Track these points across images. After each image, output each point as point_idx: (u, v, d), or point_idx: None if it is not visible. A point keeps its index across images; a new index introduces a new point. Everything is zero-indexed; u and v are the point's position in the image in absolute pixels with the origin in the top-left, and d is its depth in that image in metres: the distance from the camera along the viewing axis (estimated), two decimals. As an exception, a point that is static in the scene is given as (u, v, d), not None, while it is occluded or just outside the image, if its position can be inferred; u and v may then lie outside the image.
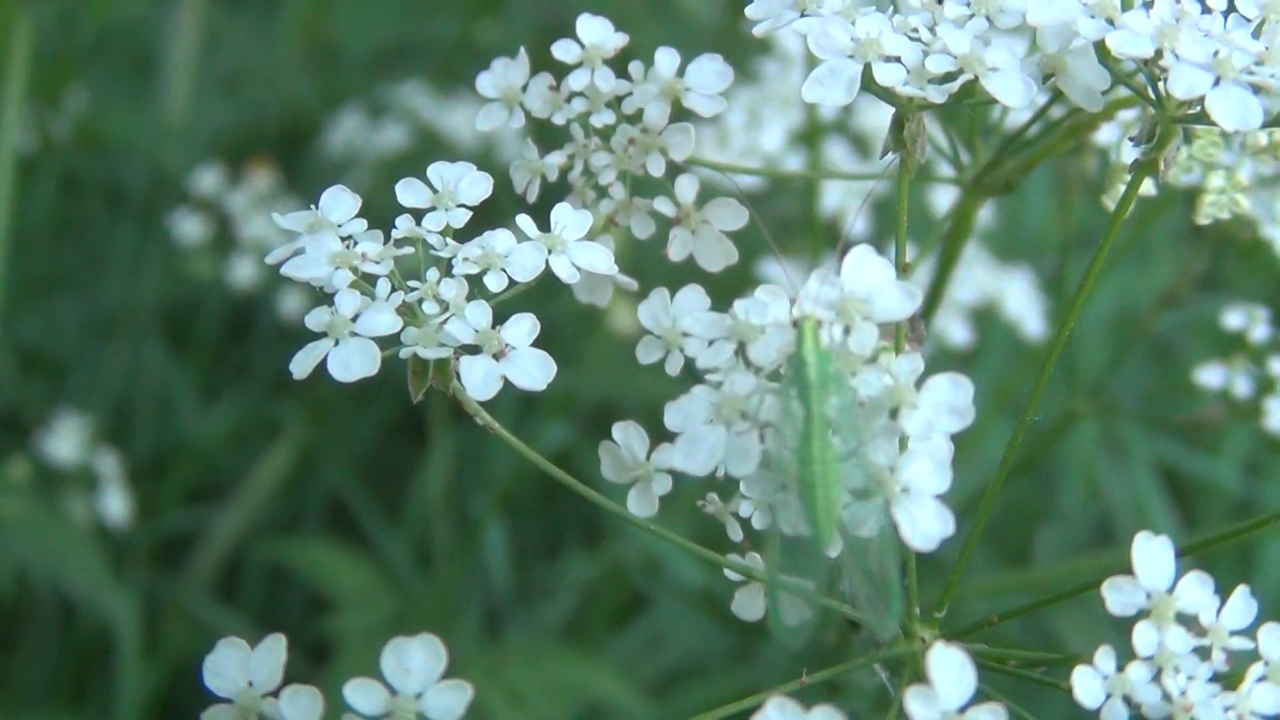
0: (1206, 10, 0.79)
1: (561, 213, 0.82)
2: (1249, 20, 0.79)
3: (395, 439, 2.16)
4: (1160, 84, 0.77)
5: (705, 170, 0.92)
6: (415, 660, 0.69)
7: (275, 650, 0.71)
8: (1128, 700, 0.74)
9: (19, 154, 1.72)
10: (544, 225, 0.82)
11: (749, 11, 0.83)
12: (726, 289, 0.86)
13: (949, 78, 0.78)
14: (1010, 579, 1.59)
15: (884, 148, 0.83)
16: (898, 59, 0.78)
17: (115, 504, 1.91)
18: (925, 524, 0.70)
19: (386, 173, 2.01)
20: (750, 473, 0.74)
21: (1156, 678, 0.74)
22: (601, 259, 0.81)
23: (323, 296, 0.78)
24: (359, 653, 1.66)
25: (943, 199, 1.58)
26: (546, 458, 0.83)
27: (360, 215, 0.81)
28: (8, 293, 1.74)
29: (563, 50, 0.88)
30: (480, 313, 0.77)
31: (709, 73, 0.87)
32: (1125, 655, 0.75)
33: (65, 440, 1.92)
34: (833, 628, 1.03)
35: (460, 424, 1.90)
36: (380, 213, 0.82)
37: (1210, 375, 1.28)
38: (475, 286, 0.78)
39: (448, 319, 0.76)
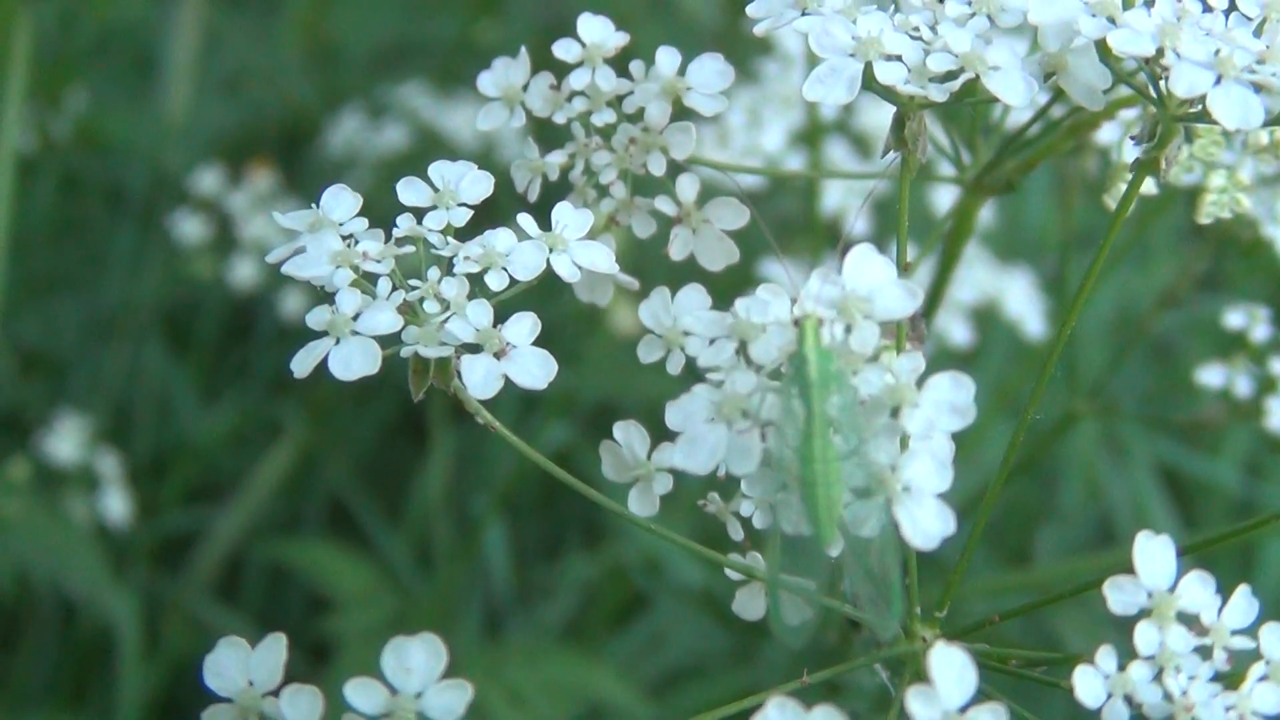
0: (1208, 9, 0.79)
1: (562, 212, 0.82)
2: (1250, 19, 0.79)
3: (395, 439, 2.16)
4: (1161, 83, 0.77)
5: (706, 169, 0.92)
6: (415, 659, 0.69)
7: (275, 650, 0.71)
8: (1129, 700, 0.73)
9: (19, 154, 1.72)
10: (545, 224, 0.82)
11: (750, 10, 0.83)
12: (728, 288, 0.86)
13: (950, 76, 0.78)
14: (1011, 579, 1.59)
15: (885, 147, 0.83)
16: (899, 57, 0.78)
17: (115, 504, 1.91)
18: (926, 523, 0.70)
19: (387, 173, 2.01)
20: (751, 472, 0.74)
21: (1158, 677, 0.74)
22: (602, 258, 0.81)
23: (324, 295, 0.78)
24: (359, 653, 1.66)
25: (944, 198, 1.58)
26: (547, 457, 0.82)
27: (361, 215, 0.81)
28: (8, 293, 1.74)
29: (564, 49, 0.88)
30: (481, 311, 0.77)
31: (710, 72, 0.87)
32: (1126, 655, 0.75)
33: (65, 440, 1.92)
34: (834, 627, 1.03)
35: (461, 424, 1.90)
36: (381, 213, 0.82)
37: (1211, 375, 1.28)
38: (476, 285, 0.78)
39: (449, 318, 0.76)
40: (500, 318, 0.77)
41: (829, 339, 0.73)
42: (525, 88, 0.89)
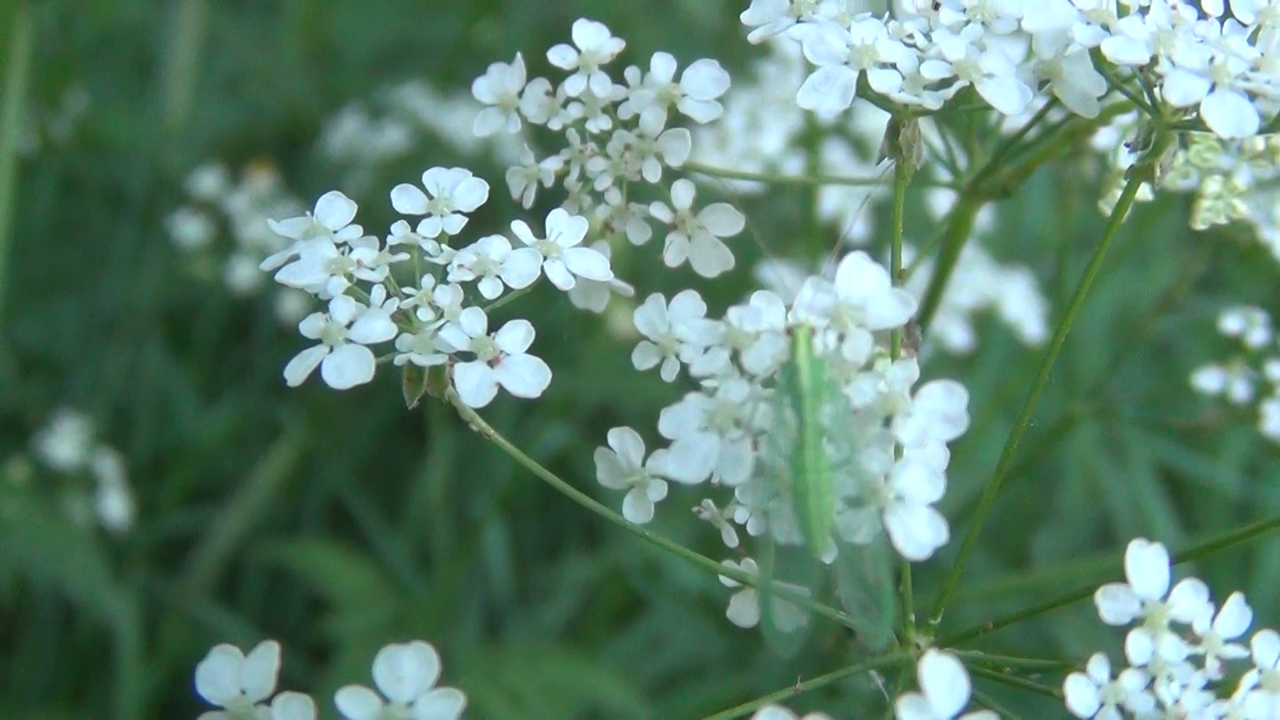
0: (1202, 16, 0.79)
1: (557, 219, 0.82)
2: (1245, 26, 0.79)
3: (395, 440, 2.16)
4: (1156, 90, 0.77)
5: (702, 175, 0.92)
6: (407, 668, 0.69)
7: (268, 658, 0.71)
8: (1121, 709, 0.73)
9: (19, 154, 1.72)
10: (541, 230, 0.82)
11: (745, 18, 0.83)
12: (725, 294, 0.86)
13: (944, 84, 0.78)
14: (1009, 582, 1.59)
15: (880, 153, 0.83)
16: (893, 65, 0.78)
17: (115, 505, 1.92)
18: (918, 532, 0.70)
19: (386, 174, 2.01)
20: (743, 481, 0.74)
21: (1150, 686, 0.74)
22: (597, 265, 0.81)
23: (318, 303, 0.78)
24: (359, 654, 1.66)
25: (943, 202, 1.58)
26: (547, 460, 0.83)
27: (360, 217, 0.81)
28: (8, 293, 1.74)
29: (559, 56, 0.88)
30: (475, 319, 0.77)
31: (705, 78, 0.87)
32: (1121, 662, 0.75)
33: (65, 441, 1.93)
34: (830, 633, 1.03)
35: (460, 426, 1.89)
36: (380, 215, 0.82)
37: (1208, 379, 1.28)
38: (470, 293, 0.78)
39: (442, 326, 0.76)
40: (495, 325, 0.77)
41: (822, 348, 0.73)
42: (520, 94, 0.89)
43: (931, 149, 0.97)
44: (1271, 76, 0.76)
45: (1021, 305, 1.70)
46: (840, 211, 1.61)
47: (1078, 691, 0.74)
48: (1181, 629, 0.75)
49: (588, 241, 0.83)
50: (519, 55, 0.90)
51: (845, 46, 0.78)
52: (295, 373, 0.75)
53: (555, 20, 2.32)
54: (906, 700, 0.66)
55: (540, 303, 0.84)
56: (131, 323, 2.13)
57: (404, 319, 0.77)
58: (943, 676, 0.67)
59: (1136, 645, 0.74)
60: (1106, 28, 0.77)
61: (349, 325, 0.76)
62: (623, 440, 0.82)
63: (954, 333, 1.66)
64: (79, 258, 2.29)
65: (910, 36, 0.79)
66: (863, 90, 0.78)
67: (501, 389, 0.75)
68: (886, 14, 0.81)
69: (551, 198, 0.89)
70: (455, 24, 2.48)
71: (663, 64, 0.88)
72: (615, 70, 0.89)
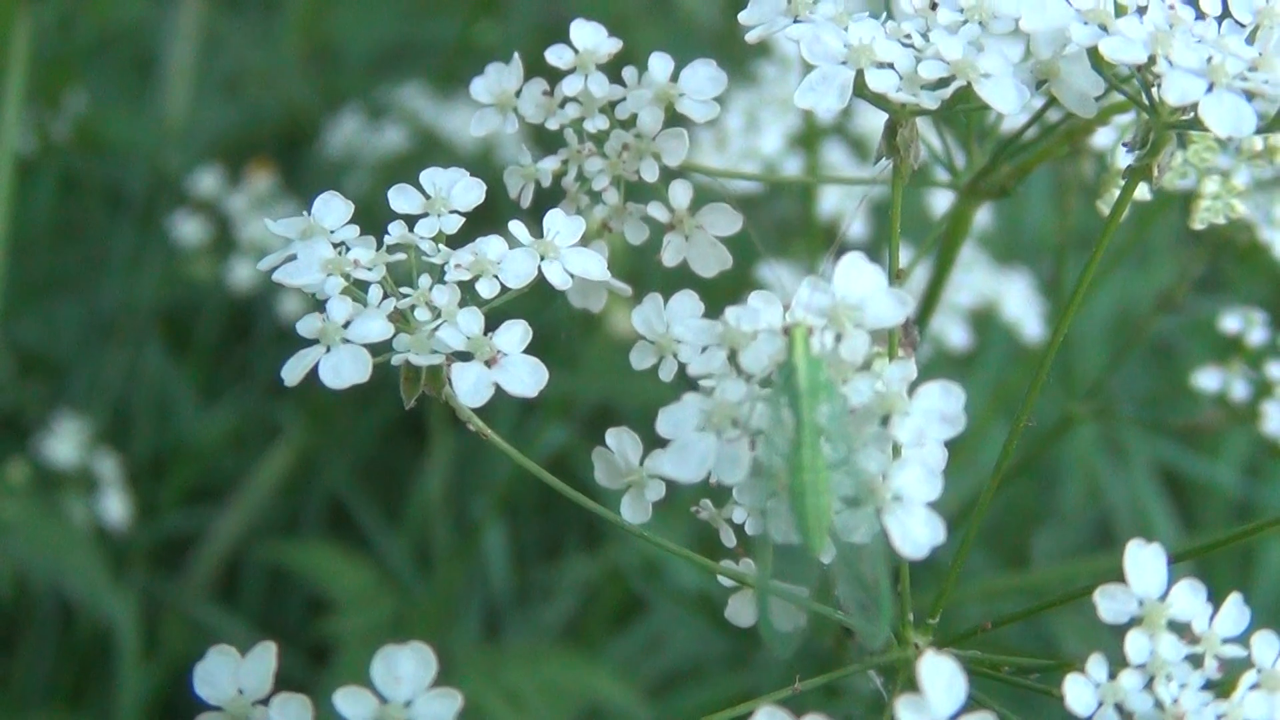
0: (1200, 16, 0.79)
1: (554, 219, 0.82)
2: (1242, 26, 0.79)
3: (395, 440, 2.16)
4: (1154, 90, 0.77)
5: (699, 175, 0.92)
6: (405, 668, 0.69)
7: (265, 658, 0.71)
8: (1120, 708, 0.73)
9: (19, 155, 1.72)
10: (538, 230, 0.82)
11: (742, 17, 0.83)
12: (723, 294, 0.86)
13: (942, 84, 0.78)
14: (1009, 582, 1.59)
15: (877, 153, 0.83)
16: (890, 65, 0.78)
17: (115, 506, 1.92)
18: (916, 532, 0.70)
19: (386, 175, 2.01)
20: (740, 481, 0.74)
21: (1149, 685, 0.74)
22: (594, 265, 0.81)
23: (315, 303, 0.78)
24: (358, 654, 1.66)
25: (942, 201, 1.58)
26: (546, 460, 0.83)
27: (360, 218, 0.81)
28: (8, 293, 1.74)
29: (556, 56, 0.88)
30: (472, 319, 0.76)
31: (703, 78, 0.87)
32: (1120, 661, 0.75)
33: (65, 442, 1.93)
34: (828, 633, 1.03)
35: (460, 426, 1.89)
36: (380, 215, 0.82)
37: (1208, 379, 1.28)
38: (467, 293, 0.78)
39: (439, 325, 0.76)
40: (492, 325, 0.77)
41: (819, 347, 0.73)
42: (518, 94, 0.89)
43: (930, 149, 0.97)
44: (1269, 76, 0.76)
45: (1021, 305, 1.70)
46: (839, 212, 1.61)
47: (1076, 691, 0.74)
48: (1180, 628, 0.75)
49: (585, 241, 0.83)
50: (516, 55, 0.90)
51: (842, 46, 0.78)
52: (292, 373, 0.75)
53: (555, 21, 2.32)
54: (905, 700, 0.66)
55: (538, 303, 0.84)
56: (131, 323, 2.13)
57: (401, 319, 0.77)
58: (941, 676, 0.67)
59: (1135, 645, 0.74)
60: (1104, 28, 0.77)
61: (346, 325, 0.76)
62: (620, 440, 0.82)
63: (953, 333, 1.66)
64: (79, 258, 2.29)
65: (907, 36, 0.80)
66: (860, 90, 0.78)
67: (499, 389, 0.75)
68: (884, 14, 0.81)
69: (549, 197, 0.89)
70: (455, 24, 2.48)
71: (660, 64, 0.88)
72: (613, 70, 0.89)
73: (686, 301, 0.80)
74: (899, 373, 0.73)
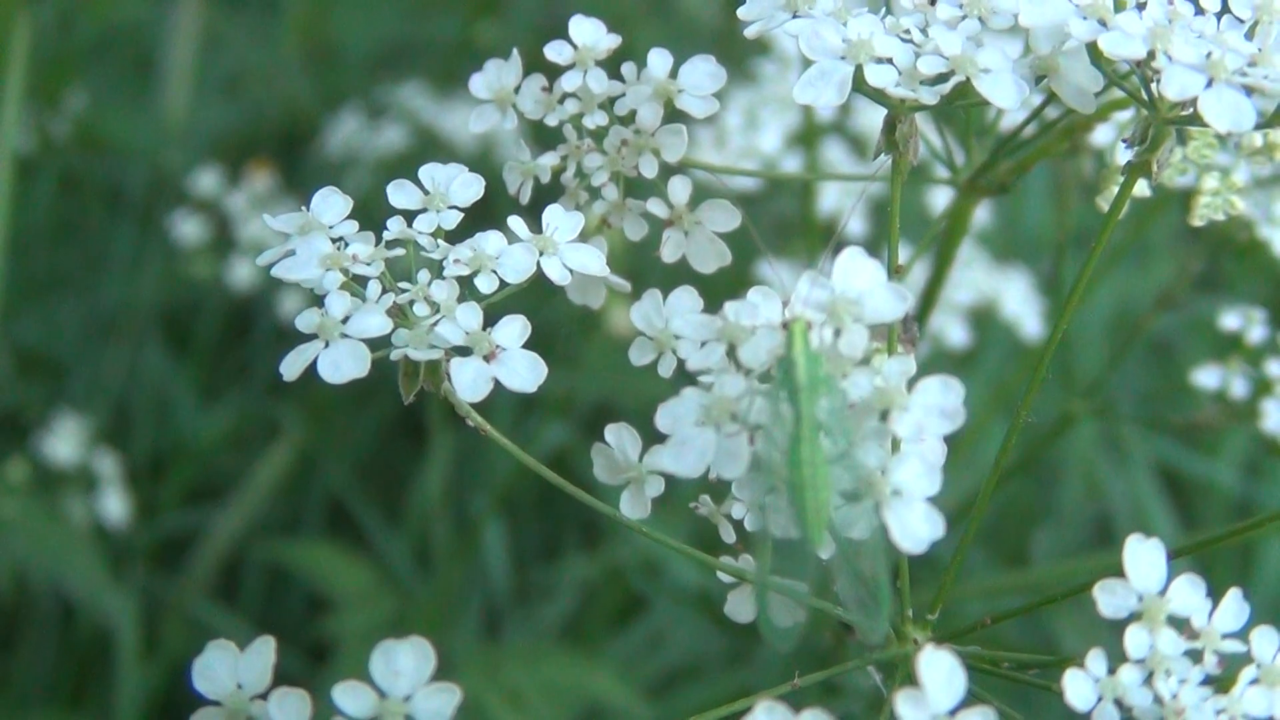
0: (1199, 11, 0.79)
1: (553, 214, 0.82)
2: (1242, 21, 0.79)
3: (395, 439, 2.16)
4: (1153, 85, 0.77)
5: (699, 171, 0.92)
6: (404, 663, 0.69)
7: (264, 653, 0.71)
8: (1119, 703, 0.73)
9: (19, 154, 1.72)
10: (537, 226, 0.82)
11: (741, 13, 0.83)
12: (722, 290, 0.86)
13: (941, 79, 0.78)
14: (1008, 579, 1.59)
15: (877, 149, 0.83)
16: (889, 60, 0.78)
17: (114, 505, 1.92)
18: (915, 526, 0.70)
19: (386, 173, 2.01)
20: (739, 475, 0.74)
21: (1148, 681, 0.74)
22: (593, 261, 0.81)
23: (314, 298, 0.78)
24: (358, 653, 1.66)
25: (941, 198, 1.58)
26: (545, 458, 0.83)
27: (360, 217, 0.81)
28: (8, 293, 1.74)
29: (555, 52, 0.88)
30: (471, 314, 0.76)
31: (702, 74, 0.87)
32: (1119, 657, 0.75)
33: (64, 441, 1.93)
34: (828, 629, 1.03)
35: (459, 424, 1.89)
36: (379, 214, 0.82)
37: (1207, 377, 1.28)
38: (466, 288, 0.78)
39: (438, 321, 0.76)
40: (491, 320, 0.77)
41: (818, 342, 0.73)
42: (517, 90, 0.89)
43: (929, 146, 0.97)
44: (1269, 72, 0.76)
45: (1020, 303, 1.70)
46: (838, 209, 1.61)
47: (1076, 686, 0.74)
48: (1179, 624, 0.75)
49: (584, 237, 0.83)
50: (515, 51, 0.90)
51: (841, 41, 0.78)
52: (291, 367, 0.75)
53: (554, 20, 2.32)
54: (904, 694, 0.66)
55: (537, 300, 0.84)
56: (131, 322, 2.13)
57: (400, 314, 0.77)
58: (940, 671, 0.67)
59: (1134, 640, 0.74)
60: (1103, 23, 0.77)
61: (345, 320, 0.76)
62: (620, 436, 0.82)
63: (952, 330, 1.66)
64: (79, 258, 2.29)
65: (907, 32, 0.80)
66: (859, 85, 0.78)
67: (498, 384, 0.75)
68: (883, 9, 0.81)
69: (548, 194, 0.89)
70: (455, 24, 2.48)
71: (659, 59, 0.88)
72: (612, 67, 0.89)
73: (686, 297, 0.80)
74: (898, 368, 0.73)
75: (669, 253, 0.88)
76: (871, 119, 1.64)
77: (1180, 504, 2.00)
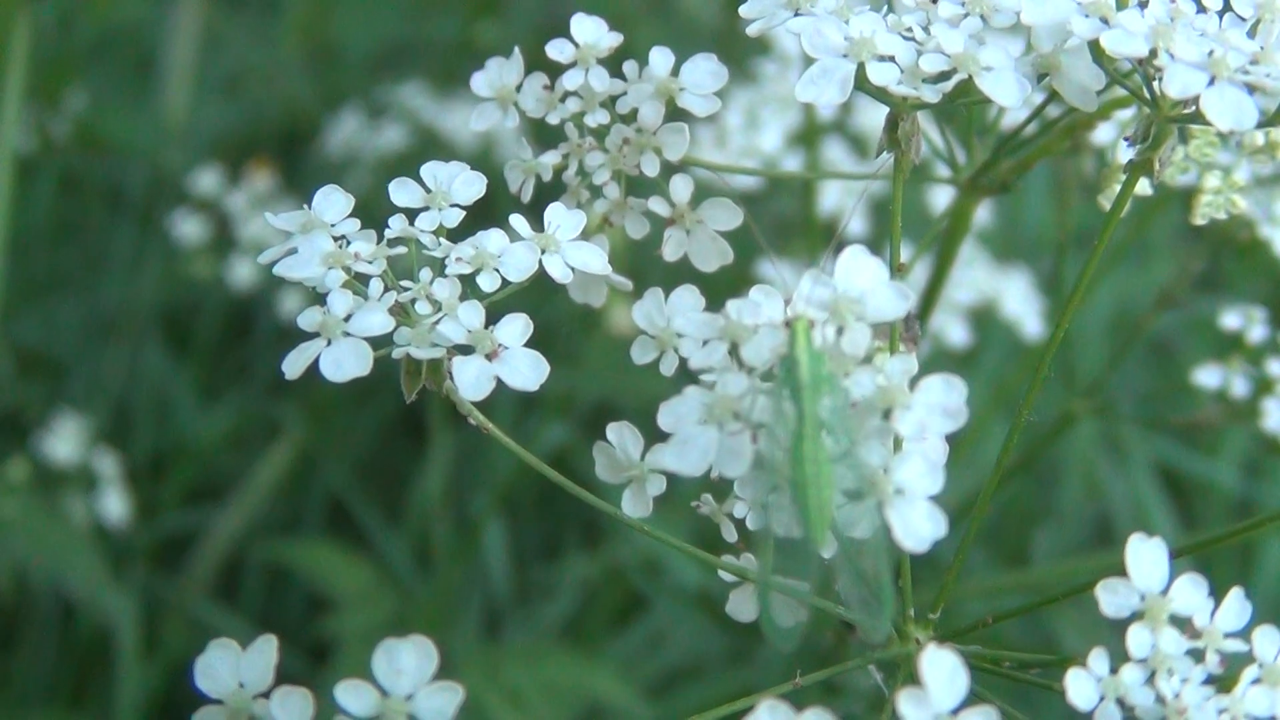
0: (1201, 9, 0.79)
1: (555, 212, 0.82)
2: (1244, 19, 0.79)
3: (395, 439, 2.16)
4: (1155, 84, 0.77)
5: (700, 170, 0.92)
6: (406, 662, 0.69)
7: (266, 651, 0.71)
8: (1121, 703, 0.73)
9: (19, 154, 1.72)
10: (539, 225, 0.82)
11: (743, 11, 0.83)
12: (723, 289, 0.86)
13: (943, 77, 0.78)
14: (1009, 579, 1.59)
15: (878, 148, 0.83)
16: (891, 58, 0.78)
17: (114, 504, 1.91)
18: (918, 525, 0.70)
19: (386, 173, 2.00)
20: (742, 474, 0.74)
21: (1150, 680, 0.74)
22: (595, 259, 0.81)
23: (316, 296, 0.78)
24: (358, 653, 1.66)
25: (942, 198, 1.58)
26: (546, 457, 0.82)
27: (360, 216, 0.81)
28: (8, 293, 1.74)
29: (557, 50, 0.88)
30: (473, 313, 0.76)
31: (703, 72, 0.87)
32: (1121, 656, 0.75)
33: (65, 441, 1.93)
34: (830, 628, 1.03)
35: (460, 424, 1.89)
36: (380, 213, 0.82)
37: (1208, 376, 1.28)
38: (468, 286, 0.78)
39: (440, 319, 0.76)
40: (493, 319, 0.77)
41: (820, 341, 0.73)
42: (519, 88, 0.89)
43: (930, 144, 0.97)
44: (1271, 70, 0.76)
45: (1020, 302, 1.70)
46: (839, 208, 1.61)
47: (1078, 685, 0.73)
48: (1181, 623, 0.75)
49: (586, 235, 0.83)
50: (516, 49, 0.90)
51: (843, 40, 0.78)
52: (294, 366, 0.75)
53: (554, 20, 2.32)
54: (906, 693, 0.66)
55: (538, 298, 0.83)
56: (131, 322, 2.13)
57: (402, 312, 0.77)
58: (942, 670, 0.67)
59: (1137, 639, 0.74)
60: (1105, 21, 0.77)
61: (347, 318, 0.76)
62: (621, 434, 0.81)
63: (953, 330, 1.66)
64: (79, 257, 2.29)
65: (909, 30, 0.79)
66: (861, 83, 0.78)
67: (500, 382, 0.75)
68: (885, 7, 0.81)
69: (550, 192, 0.89)
70: (455, 24, 2.48)
71: (661, 58, 0.88)
72: (613, 65, 0.89)
73: (687, 296, 0.80)
74: (900, 366, 0.73)
75: (671, 251, 0.88)
76: (872, 118, 1.64)
77: (1180, 504, 2.00)
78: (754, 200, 1.67)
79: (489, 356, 0.75)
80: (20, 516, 1.79)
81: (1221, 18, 0.79)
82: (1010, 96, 0.77)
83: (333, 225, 0.80)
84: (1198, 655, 0.75)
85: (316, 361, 0.75)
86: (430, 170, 0.83)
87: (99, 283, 2.23)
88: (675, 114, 0.88)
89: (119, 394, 2.11)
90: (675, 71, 0.88)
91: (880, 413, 0.72)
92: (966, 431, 0.74)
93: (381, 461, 2.14)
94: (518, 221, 0.81)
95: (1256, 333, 1.26)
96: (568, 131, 0.89)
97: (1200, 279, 1.43)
